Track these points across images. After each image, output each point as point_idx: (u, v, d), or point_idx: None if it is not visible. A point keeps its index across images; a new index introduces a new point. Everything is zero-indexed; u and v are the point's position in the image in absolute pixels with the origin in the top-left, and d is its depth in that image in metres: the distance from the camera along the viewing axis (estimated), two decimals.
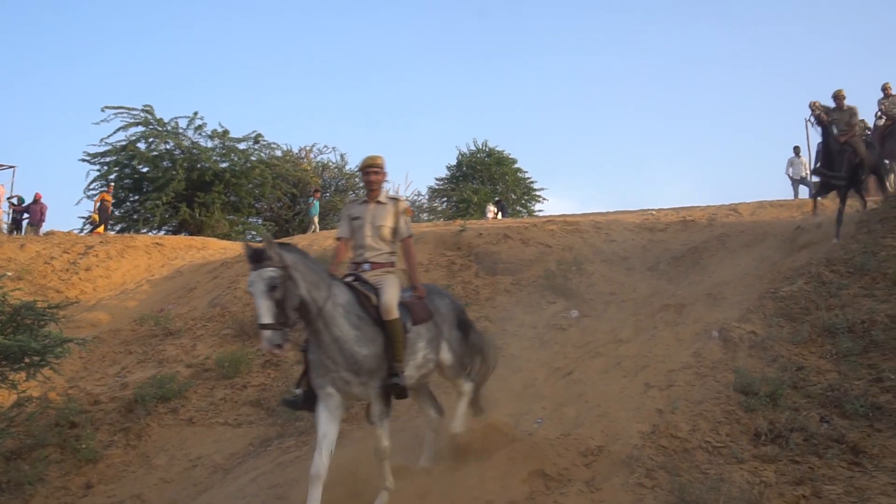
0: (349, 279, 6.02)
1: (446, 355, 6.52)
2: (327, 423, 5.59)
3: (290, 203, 27.98)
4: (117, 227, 24.24)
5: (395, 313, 5.77)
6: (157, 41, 76.62)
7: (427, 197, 34.39)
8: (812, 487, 5.64)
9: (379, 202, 6.27)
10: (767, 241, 12.45)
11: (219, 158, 26.18)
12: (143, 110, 25.48)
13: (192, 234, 23.36)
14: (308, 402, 5.87)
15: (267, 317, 5.13)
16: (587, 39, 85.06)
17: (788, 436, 6.24)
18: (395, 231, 6.22)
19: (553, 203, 56.28)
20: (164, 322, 12.78)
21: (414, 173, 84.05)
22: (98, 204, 23.03)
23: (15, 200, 23.03)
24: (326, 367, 5.61)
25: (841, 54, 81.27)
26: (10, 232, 21.77)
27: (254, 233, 26.98)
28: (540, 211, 34.06)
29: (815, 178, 11.61)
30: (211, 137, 26.48)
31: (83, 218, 24.96)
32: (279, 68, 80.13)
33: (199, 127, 26.24)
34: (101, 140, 25.20)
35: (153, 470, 8.83)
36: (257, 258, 5.24)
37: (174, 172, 24.61)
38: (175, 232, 24.80)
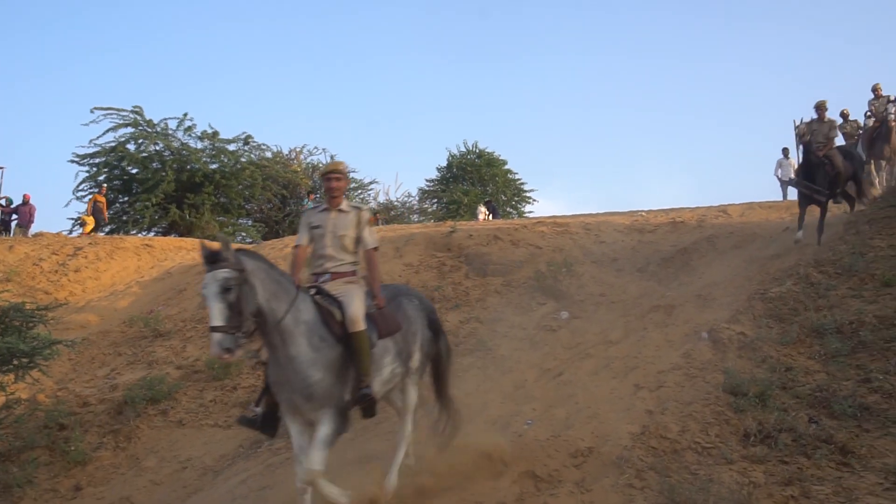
0: (312, 292, 5.69)
1: (414, 361, 6.33)
2: (301, 436, 5.45)
3: (281, 204, 27.93)
4: (106, 229, 24.14)
5: (361, 325, 5.50)
6: (147, 42, 76.44)
7: (417, 198, 34.37)
8: (801, 488, 5.66)
9: (341, 210, 5.96)
10: (756, 242, 12.51)
11: (208, 160, 26.10)
12: (132, 111, 25.39)
13: (181, 235, 23.29)
14: (267, 423, 5.68)
15: (218, 319, 4.88)
16: (577, 42, 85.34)
17: (777, 436, 6.26)
18: (357, 241, 5.95)
19: (543, 204, 56.21)
20: (153, 324, 12.74)
21: (404, 174, 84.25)
22: (91, 206, 22.92)
23: (3, 202, 22.87)
24: (281, 386, 5.37)
25: (832, 55, 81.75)
26: None
27: (244, 234, 26.91)
28: (530, 212, 34.10)
29: (796, 191, 11.68)
30: (200, 139, 26.39)
31: (72, 219, 24.89)
32: (269, 69, 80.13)
33: (189, 128, 26.15)
34: (91, 141, 25.11)
35: (143, 472, 8.81)
36: (213, 259, 5.03)
37: (164, 174, 24.52)
38: (165, 233, 24.72)
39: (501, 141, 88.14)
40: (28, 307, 9.45)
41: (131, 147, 25.16)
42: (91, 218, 22.44)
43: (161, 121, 25.86)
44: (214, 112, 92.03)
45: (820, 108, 11.70)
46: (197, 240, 20.33)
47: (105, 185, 24.52)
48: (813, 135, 11.37)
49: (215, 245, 5.13)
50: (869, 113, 14.76)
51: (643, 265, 12.63)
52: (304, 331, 5.29)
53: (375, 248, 6.05)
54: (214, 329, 4.87)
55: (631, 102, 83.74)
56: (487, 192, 32.81)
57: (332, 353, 5.38)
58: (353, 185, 31.27)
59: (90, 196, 23.80)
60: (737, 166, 77.02)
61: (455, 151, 35.31)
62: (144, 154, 25.13)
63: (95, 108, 24.82)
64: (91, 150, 25.05)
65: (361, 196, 31.81)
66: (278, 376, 5.36)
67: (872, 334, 7.51)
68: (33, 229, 21.38)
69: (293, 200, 27.48)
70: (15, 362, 8.86)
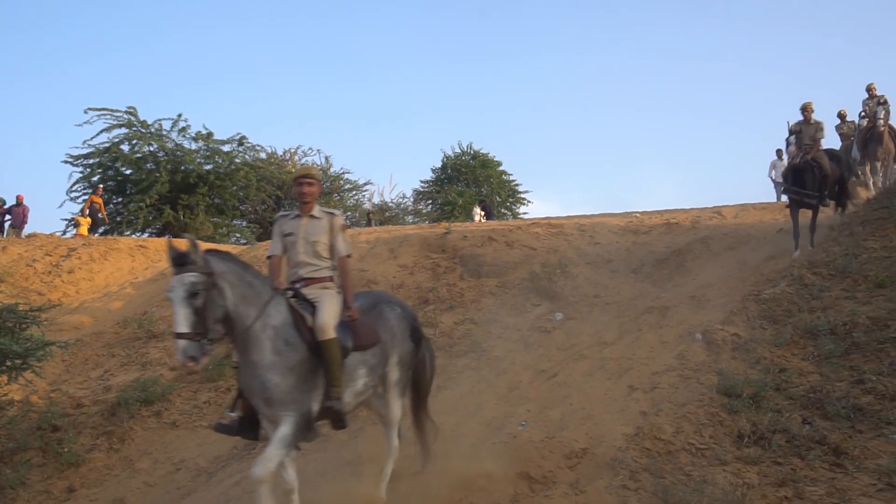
0: (289, 295, 5.52)
1: (394, 373, 6.12)
2: None
3: (275, 205, 27.86)
4: (100, 230, 24.08)
5: (330, 333, 5.30)
6: (141, 42, 76.28)
7: (412, 199, 34.34)
8: (794, 489, 5.67)
9: (313, 216, 5.77)
10: (750, 243, 12.54)
11: (203, 160, 26.01)
12: (126, 112, 25.27)
13: (176, 236, 23.20)
14: (245, 426, 5.44)
15: (184, 325, 4.68)
16: (572, 43, 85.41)
17: (771, 437, 6.27)
18: (331, 248, 5.75)
19: (537, 206, 56.25)
20: (147, 325, 12.72)
21: (398, 175, 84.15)
22: (88, 206, 22.85)
23: None
24: (248, 391, 5.20)
25: (830, 55, 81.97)
26: None
27: (238, 235, 26.87)
28: (524, 213, 34.15)
29: (786, 197, 11.67)
30: (195, 139, 26.30)
31: (66, 220, 24.82)
32: (263, 70, 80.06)
33: (183, 129, 26.06)
34: (84, 142, 24.99)
35: (136, 473, 8.79)
36: (180, 261, 4.83)
37: (158, 174, 24.45)
38: (159, 234, 24.65)
39: (496, 142, 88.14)
40: (21, 308, 9.45)
41: (125, 148, 25.06)
42: (86, 219, 22.38)
43: (155, 121, 25.79)
44: (208, 113, 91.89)
45: (805, 109, 11.62)
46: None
47: (101, 185, 24.48)
48: (799, 136, 11.35)
49: (183, 244, 4.92)
50: (863, 113, 14.77)
51: (637, 266, 12.66)
52: (270, 335, 5.12)
53: (348, 256, 5.88)
54: (179, 336, 4.68)
55: (626, 104, 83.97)
56: (482, 193, 32.83)
57: (296, 357, 5.17)
58: (347, 186, 31.28)
59: (86, 197, 23.76)
60: (731, 167, 77.30)
61: (449, 152, 35.36)
62: (138, 155, 25.03)
63: (89, 109, 24.71)
64: (85, 151, 24.97)
65: (356, 197, 31.83)
66: (245, 381, 5.21)
67: (866, 336, 7.53)
68: (27, 230, 21.34)
69: (287, 202, 27.42)
70: (8, 363, 8.86)
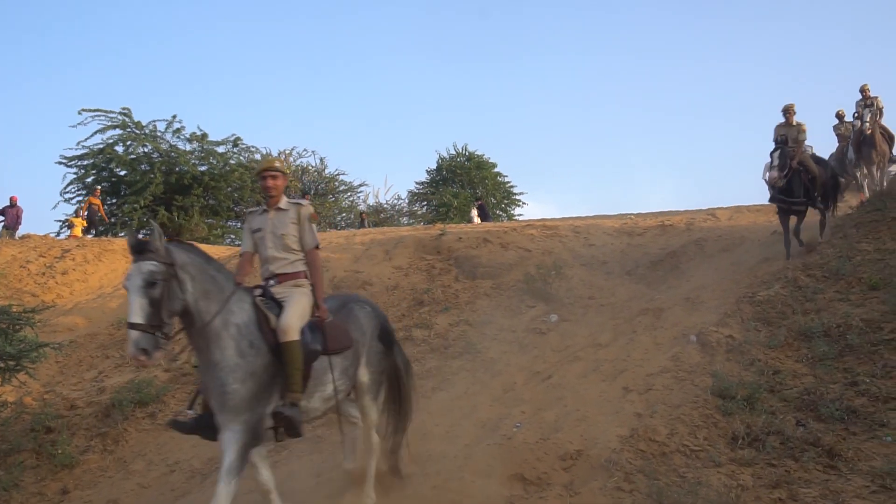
0: (256, 293, 5.31)
1: (364, 375, 5.92)
2: None
3: None
4: (100, 230, 24.04)
5: (292, 335, 5.05)
6: (136, 43, 76.18)
7: (407, 201, 34.40)
8: (788, 490, 5.68)
9: (279, 209, 5.58)
10: (745, 245, 12.56)
11: (197, 162, 26.04)
12: (120, 113, 25.30)
13: (170, 237, 23.08)
14: (203, 425, 5.11)
15: (138, 316, 4.42)
16: (567, 44, 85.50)
17: (765, 439, 6.28)
18: (299, 240, 5.56)
19: (532, 207, 56.28)
20: None
21: (393, 177, 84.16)
22: (86, 209, 22.79)
23: None
24: (207, 392, 4.97)
25: (828, 56, 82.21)
26: None
27: (233, 236, 26.84)
28: (520, 215, 34.21)
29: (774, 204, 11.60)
30: (189, 140, 26.35)
31: (60, 221, 24.77)
32: (258, 71, 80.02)
33: (178, 130, 26.10)
34: (78, 143, 25.08)
35: (130, 475, 8.75)
36: (139, 249, 4.62)
37: (152, 176, 24.45)
38: None
39: (491, 143, 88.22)
40: (15, 309, 9.41)
41: (119, 149, 25.09)
42: (80, 220, 22.34)
43: (150, 122, 25.85)
44: (203, 114, 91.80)
45: (787, 111, 11.56)
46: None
47: (99, 187, 24.47)
48: (783, 138, 11.32)
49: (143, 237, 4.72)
50: (856, 114, 14.78)
51: (632, 268, 12.67)
52: (233, 334, 4.89)
53: (317, 247, 5.66)
54: (132, 326, 4.43)
55: (623, 105, 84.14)
56: (477, 195, 32.85)
57: (260, 361, 4.94)
58: (342, 187, 31.29)
59: (80, 198, 23.72)
60: (730, 168, 77.46)
61: (445, 154, 35.44)
62: (133, 156, 25.05)
63: (83, 110, 24.77)
64: (79, 152, 25.03)
65: (351, 199, 31.83)
66: (204, 381, 4.98)
67: (859, 338, 7.55)
68: (20, 231, 21.31)
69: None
70: (1, 365, 8.83)
